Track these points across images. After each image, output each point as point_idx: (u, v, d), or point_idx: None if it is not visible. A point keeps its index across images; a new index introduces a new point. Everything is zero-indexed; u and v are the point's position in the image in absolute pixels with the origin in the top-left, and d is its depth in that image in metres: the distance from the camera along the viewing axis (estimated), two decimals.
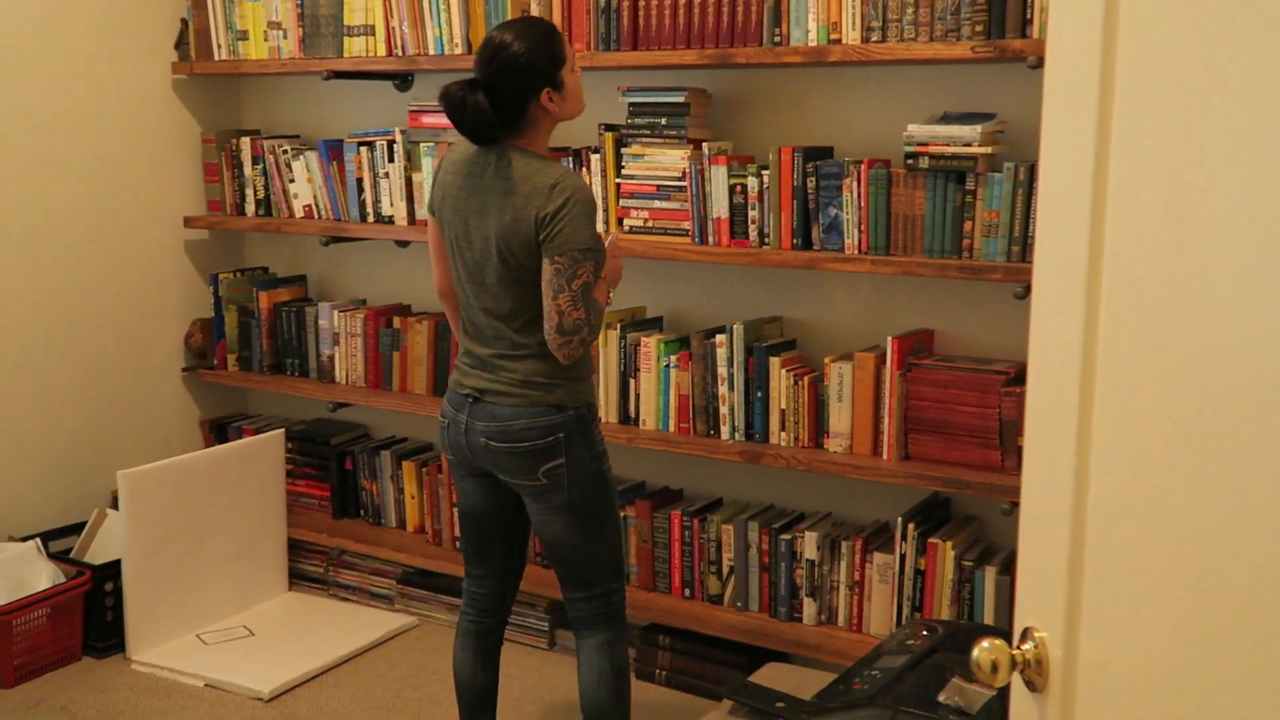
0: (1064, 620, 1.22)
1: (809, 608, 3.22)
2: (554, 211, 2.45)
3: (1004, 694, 2.12)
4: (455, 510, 2.93)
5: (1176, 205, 1.09)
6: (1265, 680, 1.06)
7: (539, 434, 2.54)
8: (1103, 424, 1.17)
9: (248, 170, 4.09)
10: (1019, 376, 2.95)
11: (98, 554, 3.72)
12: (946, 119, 2.95)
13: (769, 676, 2.44)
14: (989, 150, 2.85)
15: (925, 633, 2.25)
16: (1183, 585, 1.12)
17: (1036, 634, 1.26)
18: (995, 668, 1.25)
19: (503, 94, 2.47)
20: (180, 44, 4.14)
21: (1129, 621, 1.17)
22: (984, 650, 1.25)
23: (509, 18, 3.38)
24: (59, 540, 3.77)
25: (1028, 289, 2.79)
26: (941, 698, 2.04)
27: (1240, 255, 1.04)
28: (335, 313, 3.96)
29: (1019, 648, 1.27)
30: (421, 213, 3.69)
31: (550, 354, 2.54)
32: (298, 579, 4.06)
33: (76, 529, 3.84)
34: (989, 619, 2.94)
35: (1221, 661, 1.10)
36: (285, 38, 3.88)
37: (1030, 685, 1.27)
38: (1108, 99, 1.15)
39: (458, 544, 3.68)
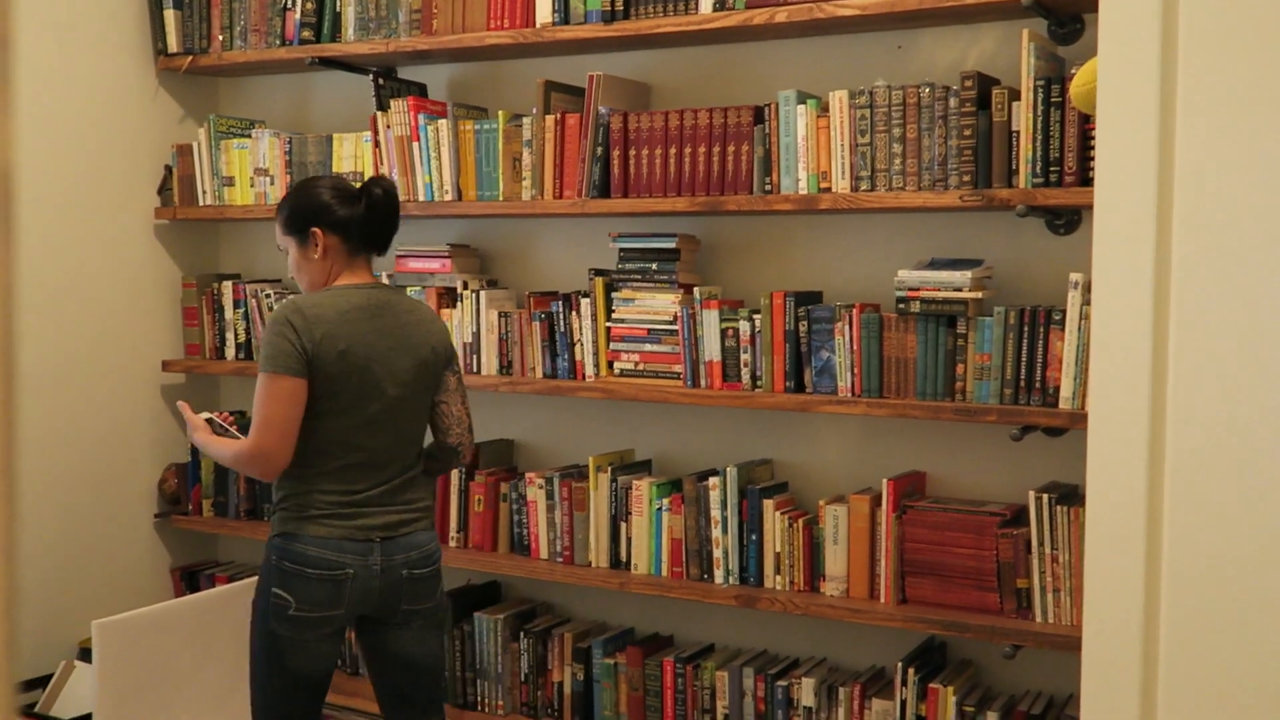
0: None
1: None
2: (443, 330, 2.86)
3: None
4: (282, 683, 2.73)
5: (1241, 322, 1.12)
6: None
7: (439, 555, 2.83)
8: (1173, 556, 1.18)
9: (229, 314, 4.08)
10: (1015, 518, 2.96)
11: (65, 708, 3.58)
12: (935, 265, 3.02)
13: None
14: (979, 295, 2.91)
15: None
16: (1262, 711, 1.12)
17: None
18: None
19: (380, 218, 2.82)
20: (164, 189, 4.17)
21: None
22: None
23: (500, 167, 3.45)
24: (23, 695, 3.63)
25: (1024, 430, 2.84)
26: None
27: None
28: None
29: None
30: None
31: (423, 471, 2.82)
32: None
33: (41, 682, 3.70)
34: None
35: None
36: (272, 184, 3.91)
37: None
38: (1165, 243, 1.19)
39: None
